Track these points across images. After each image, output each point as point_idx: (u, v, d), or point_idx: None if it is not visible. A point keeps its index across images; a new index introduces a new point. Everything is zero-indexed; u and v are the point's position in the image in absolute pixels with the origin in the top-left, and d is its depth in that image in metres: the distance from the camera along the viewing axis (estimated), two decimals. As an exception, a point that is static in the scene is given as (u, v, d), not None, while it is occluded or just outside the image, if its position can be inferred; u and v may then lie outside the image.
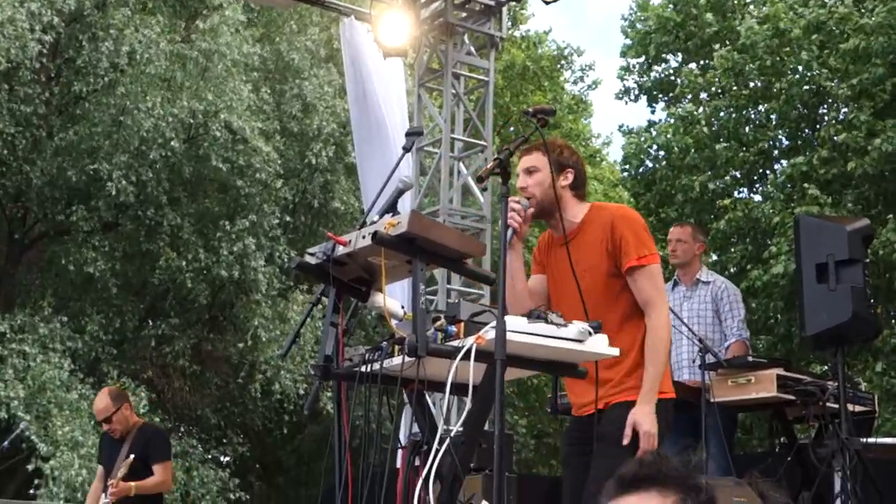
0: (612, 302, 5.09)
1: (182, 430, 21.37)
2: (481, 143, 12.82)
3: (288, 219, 20.50)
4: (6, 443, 10.58)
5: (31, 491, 20.10)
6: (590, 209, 5.24)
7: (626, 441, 4.88)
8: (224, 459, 21.49)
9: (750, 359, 7.45)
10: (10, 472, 19.28)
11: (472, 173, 12.89)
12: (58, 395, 17.12)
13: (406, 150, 5.43)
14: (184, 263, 19.12)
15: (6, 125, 18.11)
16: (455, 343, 4.58)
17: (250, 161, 18.81)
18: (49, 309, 18.52)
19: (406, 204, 5.20)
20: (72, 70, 19.45)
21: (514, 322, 4.51)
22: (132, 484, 8.39)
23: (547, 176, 5.14)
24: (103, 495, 8.59)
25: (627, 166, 24.20)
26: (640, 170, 23.35)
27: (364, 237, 4.70)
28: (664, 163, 22.43)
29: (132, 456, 8.43)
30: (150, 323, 20.62)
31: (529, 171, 5.16)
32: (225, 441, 21.83)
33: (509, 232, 4.95)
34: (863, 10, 18.63)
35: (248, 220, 19.17)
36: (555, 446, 25.75)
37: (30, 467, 16.89)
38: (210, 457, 20.49)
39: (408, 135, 5.50)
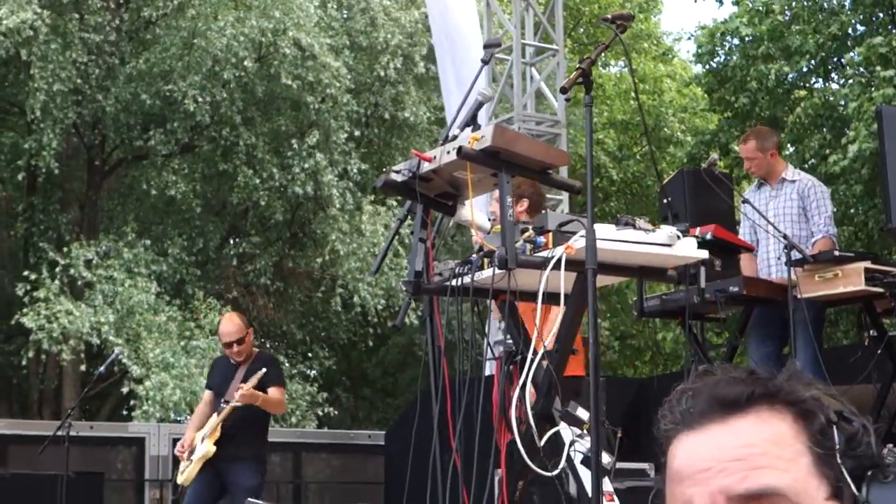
0: None
1: (268, 346, 21.66)
2: (552, 47, 12.76)
3: (359, 133, 20.53)
4: (103, 367, 10.84)
5: (124, 412, 20.56)
6: None
7: None
8: (311, 374, 21.76)
9: (836, 253, 7.40)
10: (104, 395, 19.71)
11: (544, 78, 12.85)
12: (146, 319, 17.40)
13: (485, 62, 5.42)
14: (259, 182, 19.25)
15: (79, 54, 18.23)
16: (544, 254, 4.61)
17: (319, 77, 18.81)
18: (132, 234, 18.75)
19: (481, 113, 5.16)
20: (140, -5, 19.53)
21: (602, 230, 4.53)
22: (260, 393, 8.61)
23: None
24: (213, 417, 8.81)
25: (700, 62, 23.89)
26: (714, 64, 23.04)
27: (449, 153, 4.71)
28: (737, 54, 22.11)
29: (264, 370, 8.63)
30: (232, 242, 20.82)
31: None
32: (311, 355, 22.09)
33: None
34: None
35: (319, 136, 19.23)
36: (638, 348, 25.80)
37: (124, 390, 17.23)
38: (297, 371, 20.75)
39: (486, 47, 5.50)
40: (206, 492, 8.79)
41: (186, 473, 8.85)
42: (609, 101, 25.54)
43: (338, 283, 20.08)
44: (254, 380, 8.58)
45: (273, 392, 8.79)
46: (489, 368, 8.29)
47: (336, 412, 20.92)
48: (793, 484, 1.53)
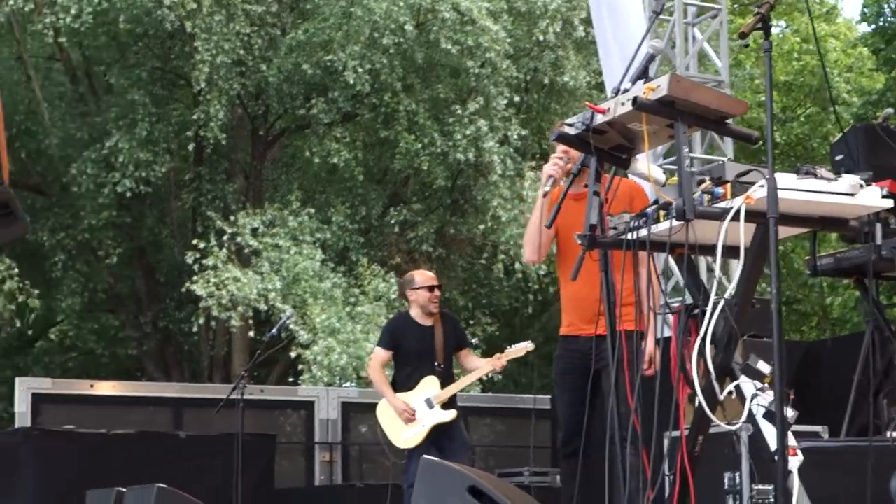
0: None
1: (431, 312, 21.79)
2: (715, 6, 12.57)
3: (518, 98, 20.45)
4: (274, 329, 11.04)
5: (290, 379, 20.92)
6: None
7: None
8: (474, 340, 21.83)
9: None
10: (271, 361, 20.05)
11: (707, 38, 12.66)
12: (312, 285, 17.62)
13: (656, 13, 5.36)
14: (421, 147, 19.32)
15: (242, 26, 18.49)
16: (723, 204, 4.54)
17: (479, 41, 18.77)
18: (297, 202, 19.00)
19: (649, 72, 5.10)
20: (301, -34, 19.74)
21: (782, 179, 4.44)
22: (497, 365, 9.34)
23: None
24: (433, 378, 9.19)
25: (866, 22, 23.35)
26: (881, 23, 22.49)
27: (623, 104, 4.66)
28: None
29: (527, 344, 9.44)
30: (394, 209, 20.97)
31: None
32: (473, 322, 22.14)
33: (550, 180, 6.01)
34: None
35: (479, 102, 19.22)
36: (805, 313, 25.34)
37: (292, 354, 17.52)
38: (461, 338, 20.81)
39: (658, -3, 5.42)
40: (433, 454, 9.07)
41: (415, 439, 9.14)
42: (777, 58, 25.06)
43: (499, 250, 20.08)
44: (501, 361, 9.30)
45: (469, 353, 9.72)
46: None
47: (500, 376, 20.99)
48: None
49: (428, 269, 11.56)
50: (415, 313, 9.36)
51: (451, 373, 9.39)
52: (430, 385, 9.14)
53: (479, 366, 9.49)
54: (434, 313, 9.25)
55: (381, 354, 9.53)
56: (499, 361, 9.22)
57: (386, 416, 9.32)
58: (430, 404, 9.12)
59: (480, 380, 18.91)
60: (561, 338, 7.08)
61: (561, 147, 5.44)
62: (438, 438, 9.15)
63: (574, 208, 5.51)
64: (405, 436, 9.14)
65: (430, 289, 9.22)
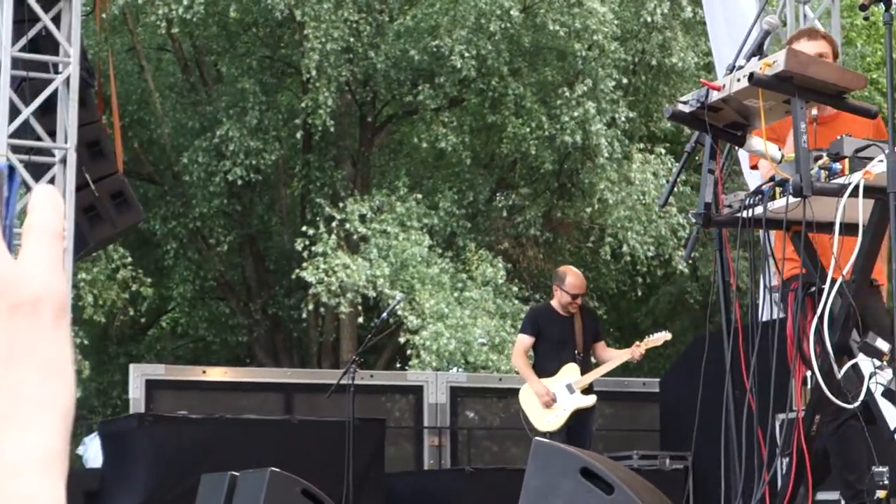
0: None
1: (539, 297, 21.76)
2: (828, -17, 12.33)
3: (626, 80, 20.32)
4: (385, 313, 11.14)
5: (398, 364, 21.01)
6: None
7: None
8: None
9: None
10: (379, 348, 20.17)
11: (818, 16, 12.46)
12: (420, 271, 17.69)
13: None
14: (528, 132, 19.29)
15: (350, 13, 18.60)
16: (840, 180, 4.46)
17: (586, 24, 18.68)
18: (404, 188, 19.08)
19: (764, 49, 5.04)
20: (407, -47, 19.79)
21: (903, 154, 4.36)
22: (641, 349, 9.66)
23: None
24: (574, 365, 9.41)
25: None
26: None
27: (739, 80, 4.60)
28: None
29: (665, 333, 9.90)
30: (501, 194, 20.96)
31: (822, 56, 5.29)
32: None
33: None
34: None
35: (587, 84, 19.13)
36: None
37: (401, 340, 17.61)
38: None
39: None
40: (565, 438, 9.29)
41: (556, 423, 9.42)
42: (882, 40, 24.60)
43: (607, 233, 20.00)
44: (639, 349, 9.62)
45: (604, 345, 10.02)
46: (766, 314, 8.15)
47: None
48: None
49: (548, 261, 11.76)
50: (556, 304, 9.74)
51: (590, 361, 9.72)
52: (571, 371, 9.44)
53: (614, 356, 9.75)
54: (573, 312, 9.62)
55: (525, 340, 9.85)
56: (637, 349, 9.51)
57: (528, 400, 9.60)
58: (570, 389, 9.43)
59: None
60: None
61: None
62: (573, 424, 9.44)
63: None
64: (548, 419, 9.45)
65: (574, 297, 9.57)
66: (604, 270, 21.78)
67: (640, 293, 22.82)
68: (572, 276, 9.72)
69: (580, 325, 9.55)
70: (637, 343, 9.69)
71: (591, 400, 9.42)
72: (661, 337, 9.71)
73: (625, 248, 19.64)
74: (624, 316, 25.68)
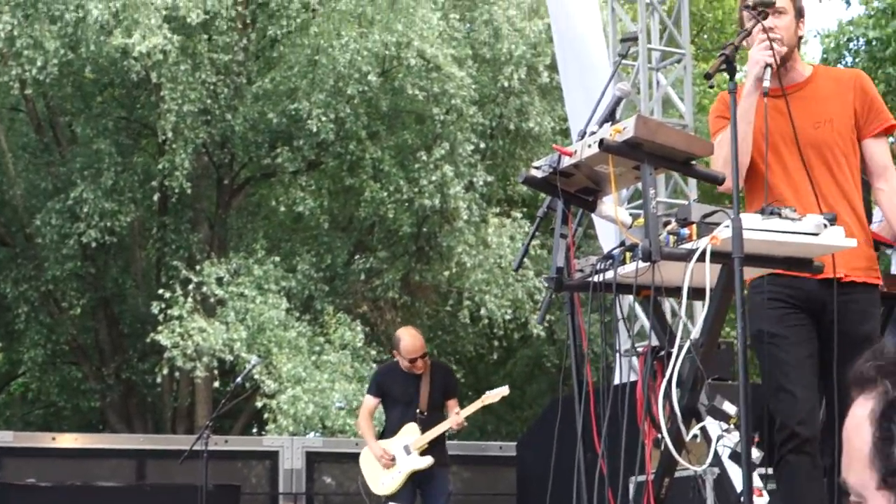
0: (847, 158, 4.97)
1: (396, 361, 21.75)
2: (679, 51, 12.64)
3: (484, 144, 20.54)
4: (239, 378, 10.99)
5: (255, 429, 20.79)
6: (816, 67, 5.13)
7: None
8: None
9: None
10: (234, 413, 19.94)
11: (671, 83, 12.74)
12: (277, 334, 17.59)
13: (622, 56, 5.38)
14: (386, 195, 19.35)
15: (208, 74, 18.54)
16: (688, 245, 4.53)
17: (444, 88, 18.88)
18: (262, 251, 18.98)
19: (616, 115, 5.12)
20: (265, 14, 19.79)
21: (747, 219, 4.45)
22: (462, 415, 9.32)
23: (792, 22, 4.96)
24: (413, 425, 9.26)
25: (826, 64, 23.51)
26: (840, 65, 22.67)
27: (590, 146, 4.65)
28: (863, 56, 21.72)
29: (503, 389, 9.58)
30: (359, 257, 20.96)
31: (778, 12, 4.90)
32: (439, 369, 22.10)
33: (767, 70, 4.72)
34: None
35: (444, 148, 19.29)
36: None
37: (258, 404, 17.44)
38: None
39: (623, 41, 5.45)
40: (411, 501, 9.07)
41: (392, 485, 9.23)
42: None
43: (464, 296, 20.11)
44: (475, 406, 9.42)
45: (454, 405, 9.47)
46: (618, 377, 8.24)
47: (465, 424, 20.93)
48: (855, 480, 1.50)
49: (406, 324, 11.71)
50: (402, 363, 9.48)
51: (439, 420, 9.42)
52: (409, 432, 9.25)
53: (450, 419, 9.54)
54: (419, 372, 9.38)
55: (369, 402, 9.70)
56: (458, 417, 9.23)
57: (367, 462, 9.46)
58: (407, 451, 9.23)
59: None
60: (768, 277, 5.03)
61: (768, 21, 4.76)
62: (421, 485, 9.29)
63: (778, 107, 4.84)
64: (383, 481, 9.25)
65: (412, 360, 9.30)
66: (462, 333, 21.86)
67: (497, 356, 22.94)
68: (406, 340, 9.40)
69: (427, 383, 9.30)
70: (457, 411, 9.35)
71: (426, 461, 9.14)
72: (498, 392, 9.54)
73: (482, 312, 19.76)
74: (482, 379, 25.74)
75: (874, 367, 1.53)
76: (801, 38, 5.06)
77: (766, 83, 4.68)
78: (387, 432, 9.47)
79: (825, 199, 4.81)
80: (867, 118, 4.91)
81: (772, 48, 4.71)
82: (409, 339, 9.41)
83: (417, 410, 9.27)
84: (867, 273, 4.98)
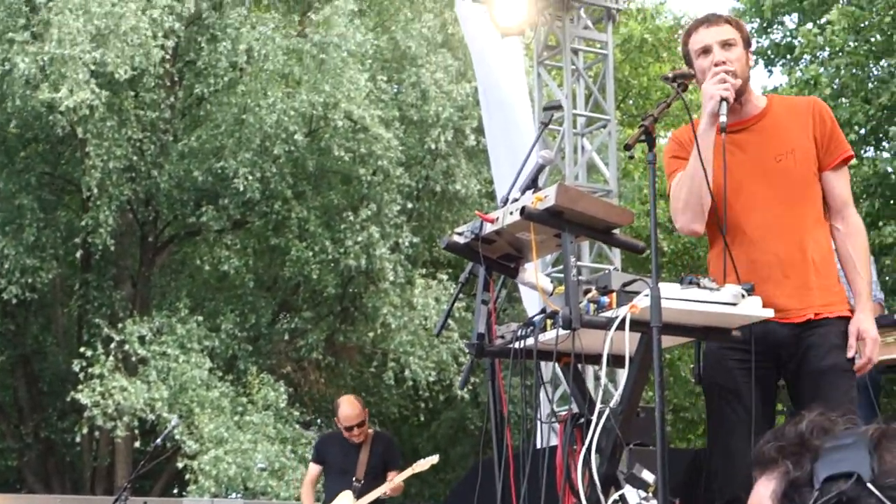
0: (810, 190, 4.66)
1: (320, 422, 21.63)
2: (604, 117, 12.76)
3: (410, 206, 20.61)
4: (159, 439, 10.86)
5: (175, 490, 20.54)
6: (771, 98, 4.83)
7: (850, 353, 4.54)
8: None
9: (896, 317, 7.29)
10: (155, 473, 19.71)
11: (595, 148, 12.86)
12: (199, 394, 17.45)
13: (545, 124, 5.42)
14: (311, 255, 19.33)
15: (134, 131, 18.47)
16: (608, 314, 4.56)
17: (371, 149, 18.94)
18: (185, 310, 18.85)
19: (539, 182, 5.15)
20: (193, 72, 19.78)
21: (666, 289, 4.48)
22: (401, 484, 9.25)
23: (743, 52, 4.69)
24: (348, 493, 9.16)
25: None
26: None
27: (512, 213, 4.69)
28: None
29: (433, 457, 9.46)
30: (284, 317, 20.88)
31: (728, 44, 4.64)
32: (362, 431, 22.02)
33: (724, 105, 4.46)
34: None
35: (371, 209, 19.33)
36: (692, 420, 25.55)
37: (179, 465, 17.24)
38: (349, 447, 20.73)
39: (546, 109, 5.49)
40: None
41: None
42: (659, 173, 25.48)
43: (389, 358, 20.08)
44: (405, 473, 9.23)
45: (393, 476, 9.27)
46: (539, 441, 8.25)
47: (401, 488, 20.83)
48: None
49: (330, 385, 11.64)
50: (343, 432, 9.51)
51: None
52: (343, 500, 9.21)
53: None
54: (359, 441, 9.34)
55: (311, 469, 9.74)
56: (392, 483, 9.21)
57: None
58: None
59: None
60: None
61: (718, 55, 4.53)
62: None
63: (735, 141, 4.63)
64: None
65: (349, 428, 9.27)
66: (386, 395, 21.79)
67: (421, 418, 22.89)
68: (343, 408, 9.39)
69: (366, 452, 9.28)
70: (391, 477, 9.38)
71: None
72: (428, 461, 9.53)
73: (407, 373, 19.73)
74: (406, 441, 25.66)
75: (775, 448, 1.55)
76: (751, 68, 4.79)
77: (723, 118, 4.45)
78: (325, 500, 9.42)
79: (790, 236, 4.64)
80: (827, 148, 4.66)
81: (726, 81, 4.53)
82: (346, 407, 9.37)
83: (354, 479, 9.21)
84: (838, 307, 4.72)
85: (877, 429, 1.54)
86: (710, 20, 4.70)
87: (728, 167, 4.60)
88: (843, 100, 20.02)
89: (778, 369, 4.76)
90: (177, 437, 16.59)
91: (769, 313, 4.68)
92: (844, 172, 4.70)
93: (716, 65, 4.59)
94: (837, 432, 1.54)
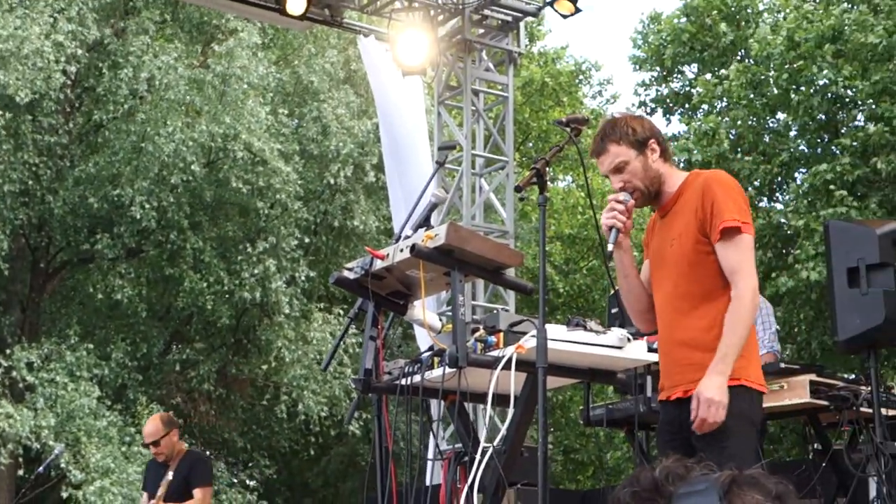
0: (697, 269, 4.62)
1: (209, 453, 21.41)
2: (502, 158, 12.86)
3: (308, 240, 20.57)
4: (42, 467, 10.68)
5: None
6: (688, 177, 4.81)
7: (692, 416, 4.36)
8: (251, 483, 21.51)
9: (782, 365, 7.43)
10: (38, 502, 19.35)
11: (493, 189, 12.96)
12: (87, 423, 17.20)
13: (440, 164, 5.48)
14: (206, 286, 19.20)
15: (30, 155, 18.24)
16: (495, 353, 4.62)
17: (270, 182, 18.90)
18: (75, 337, 18.60)
19: (432, 217, 5.19)
20: (92, 98, 19.60)
21: (553, 330, 4.55)
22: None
23: (638, 159, 4.67)
24: None
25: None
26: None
27: (402, 250, 4.73)
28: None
29: (170, 475, 8.65)
30: (176, 348, 20.69)
31: (619, 169, 4.67)
32: (251, 464, 21.86)
33: (613, 233, 4.54)
34: (879, 13, 18.55)
35: (268, 242, 19.26)
36: (582, 462, 25.73)
37: (64, 494, 16.96)
38: (237, 480, 20.54)
39: (440, 149, 5.55)
40: None
41: None
42: (556, 215, 25.76)
43: (282, 391, 19.97)
44: (162, 488, 8.66)
45: (197, 494, 8.79)
46: (430, 478, 8.26)
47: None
48: None
49: (221, 417, 11.43)
50: None
51: None
52: None
53: None
54: (167, 461, 8.99)
55: (144, 496, 9.35)
56: (192, 502, 8.93)
57: None
58: None
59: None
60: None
61: (614, 182, 4.61)
62: None
63: (659, 230, 4.73)
64: None
65: (145, 446, 9.06)
66: (277, 429, 21.65)
67: (312, 453, 22.75)
68: (145, 426, 9.12)
69: (171, 473, 8.86)
70: (197, 496, 8.95)
71: None
72: (165, 482, 9.21)
73: (300, 407, 19.63)
74: (296, 475, 25.51)
75: (629, 494, 1.59)
76: (659, 156, 4.74)
77: (610, 247, 4.54)
78: None
79: (670, 315, 4.63)
80: (711, 223, 4.61)
81: (614, 210, 4.59)
82: (147, 424, 9.13)
83: (151, 501, 8.87)
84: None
85: (728, 475, 1.59)
86: (598, 151, 4.70)
87: (655, 252, 4.72)
88: (743, 156, 20.33)
89: (687, 444, 4.59)
90: (62, 465, 16.34)
91: (654, 357, 4.76)
92: (732, 242, 4.60)
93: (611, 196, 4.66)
94: (691, 478, 1.58)
